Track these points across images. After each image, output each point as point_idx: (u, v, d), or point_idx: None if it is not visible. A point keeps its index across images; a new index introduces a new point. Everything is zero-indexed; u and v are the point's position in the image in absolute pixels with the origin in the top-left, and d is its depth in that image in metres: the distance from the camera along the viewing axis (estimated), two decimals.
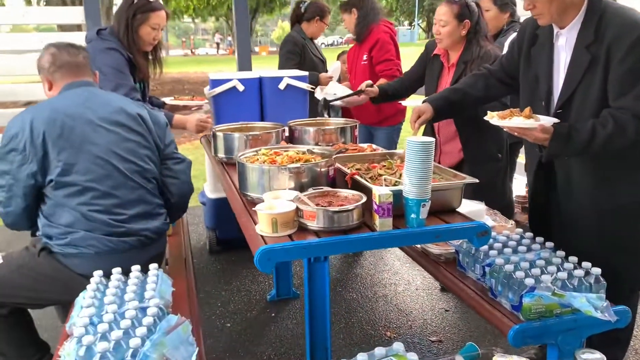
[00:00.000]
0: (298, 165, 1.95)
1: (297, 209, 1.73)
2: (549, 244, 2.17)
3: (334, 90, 3.70)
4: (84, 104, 2.07)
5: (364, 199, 1.79)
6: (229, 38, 32.95)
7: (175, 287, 2.19)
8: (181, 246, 2.67)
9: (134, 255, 2.06)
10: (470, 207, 2.49)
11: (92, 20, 3.80)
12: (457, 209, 1.96)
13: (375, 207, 1.71)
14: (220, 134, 2.69)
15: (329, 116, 4.38)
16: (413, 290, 3.30)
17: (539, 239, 2.21)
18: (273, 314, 3.06)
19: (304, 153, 2.19)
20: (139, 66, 2.85)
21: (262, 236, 1.70)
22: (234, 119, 3.11)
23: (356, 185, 1.95)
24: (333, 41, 43.16)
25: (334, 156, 2.10)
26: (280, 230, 1.69)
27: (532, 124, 1.90)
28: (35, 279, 2.05)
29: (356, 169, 2.11)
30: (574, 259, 1.98)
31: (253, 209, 1.78)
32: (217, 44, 37.51)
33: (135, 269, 2.02)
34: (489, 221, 2.56)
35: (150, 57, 2.99)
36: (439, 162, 3.08)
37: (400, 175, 2.00)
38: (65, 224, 2.02)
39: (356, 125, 2.85)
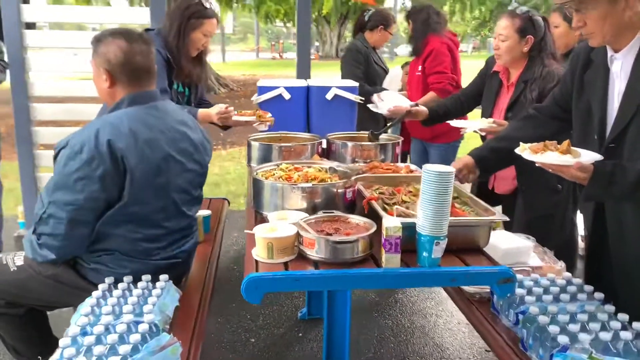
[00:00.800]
0: (309, 184, 1.81)
1: (298, 234, 1.59)
2: (598, 295, 1.88)
3: (390, 100, 3.55)
4: (157, 126, 1.91)
5: (373, 228, 1.61)
6: (317, 43, 33.28)
7: (189, 300, 2.12)
8: (207, 257, 2.60)
9: (162, 274, 1.99)
10: (514, 243, 2.24)
11: (157, 21, 3.85)
12: (484, 248, 1.73)
13: (382, 240, 1.54)
14: (254, 143, 2.60)
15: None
16: (454, 324, 3.05)
17: (588, 288, 1.93)
18: (300, 334, 2.93)
19: (325, 171, 2.04)
20: (182, 69, 2.82)
21: (256, 261, 1.58)
22: (279, 127, 3.02)
23: (372, 212, 1.78)
24: None
25: (354, 177, 1.94)
26: (277, 257, 1.56)
27: (567, 160, 1.65)
28: (53, 286, 2.00)
29: (379, 193, 1.94)
30: (624, 316, 1.70)
31: (246, 231, 1.66)
32: None
33: (145, 278, 1.97)
34: (535, 260, 2.29)
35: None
36: (493, 188, 2.83)
37: None
38: (101, 248, 1.95)
39: (399, 143, 2.67)
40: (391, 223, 1.52)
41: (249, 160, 2.65)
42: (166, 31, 2.82)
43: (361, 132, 2.96)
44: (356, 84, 3.19)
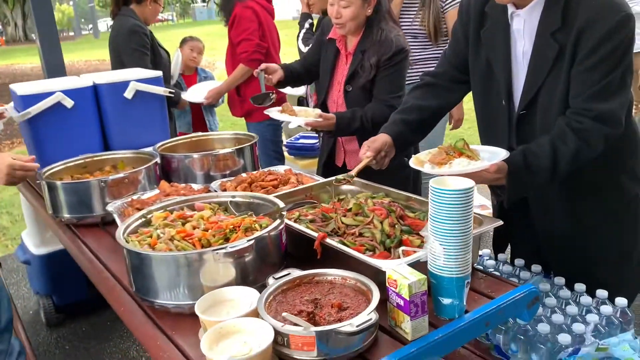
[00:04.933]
0: (243, 242, 1.17)
1: (277, 335, 0.99)
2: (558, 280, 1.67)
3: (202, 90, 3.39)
4: None
5: (375, 292, 1.09)
6: None
7: None
8: None
9: None
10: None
11: None
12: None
13: (400, 301, 1.05)
14: (57, 185, 1.75)
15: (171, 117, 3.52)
16: None
17: (536, 268, 1.72)
18: None
19: (222, 208, 1.41)
20: None
21: None
22: (64, 152, 2.12)
23: (331, 255, 1.26)
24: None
25: (285, 208, 1.35)
26: None
27: (481, 165, 1.40)
28: None
29: (309, 222, 1.40)
30: (602, 293, 1.52)
31: None
32: None
33: None
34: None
35: None
36: (344, 164, 2.45)
37: (397, 229, 1.36)
38: None
39: (256, 143, 2.11)
40: (413, 276, 1.03)
41: (56, 210, 1.78)
42: None
43: (195, 134, 2.31)
44: (159, 73, 2.46)
